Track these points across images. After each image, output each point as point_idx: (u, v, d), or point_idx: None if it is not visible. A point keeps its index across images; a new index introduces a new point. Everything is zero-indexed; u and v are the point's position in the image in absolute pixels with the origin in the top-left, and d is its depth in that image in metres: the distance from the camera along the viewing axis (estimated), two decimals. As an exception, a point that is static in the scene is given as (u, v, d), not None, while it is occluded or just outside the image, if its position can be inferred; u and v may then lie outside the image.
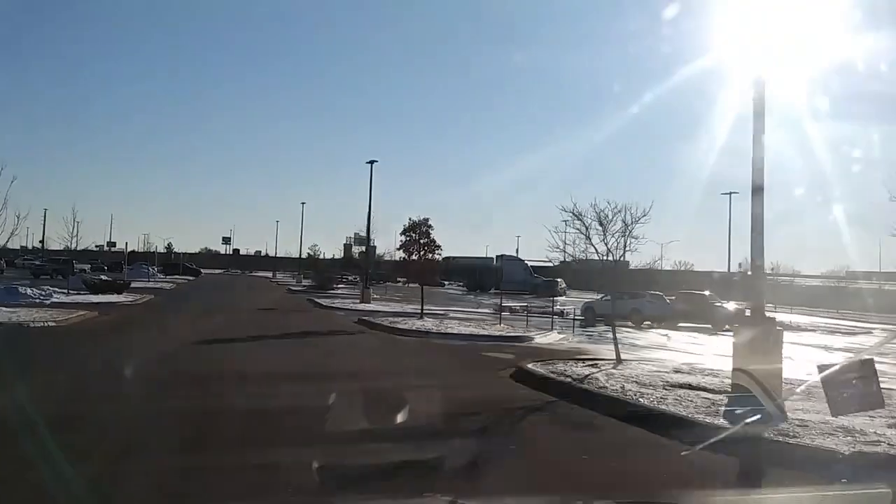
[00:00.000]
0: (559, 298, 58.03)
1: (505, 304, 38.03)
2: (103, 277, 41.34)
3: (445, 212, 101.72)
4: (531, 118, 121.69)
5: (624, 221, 12.75)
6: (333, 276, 51.48)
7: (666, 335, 27.25)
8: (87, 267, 56.22)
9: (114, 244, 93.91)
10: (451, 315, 29.79)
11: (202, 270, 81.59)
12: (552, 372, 11.78)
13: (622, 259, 12.97)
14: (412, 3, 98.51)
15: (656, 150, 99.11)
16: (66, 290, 33.37)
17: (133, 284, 43.96)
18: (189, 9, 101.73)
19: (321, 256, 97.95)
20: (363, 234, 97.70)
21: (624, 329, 29.64)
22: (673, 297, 35.89)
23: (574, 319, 30.15)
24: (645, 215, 12.82)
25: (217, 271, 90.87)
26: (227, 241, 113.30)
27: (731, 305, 38.13)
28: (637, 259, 20.16)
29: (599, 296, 38.82)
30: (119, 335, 17.79)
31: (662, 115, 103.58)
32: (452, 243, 79.00)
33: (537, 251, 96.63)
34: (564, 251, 13.02)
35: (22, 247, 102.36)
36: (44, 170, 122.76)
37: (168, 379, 10.37)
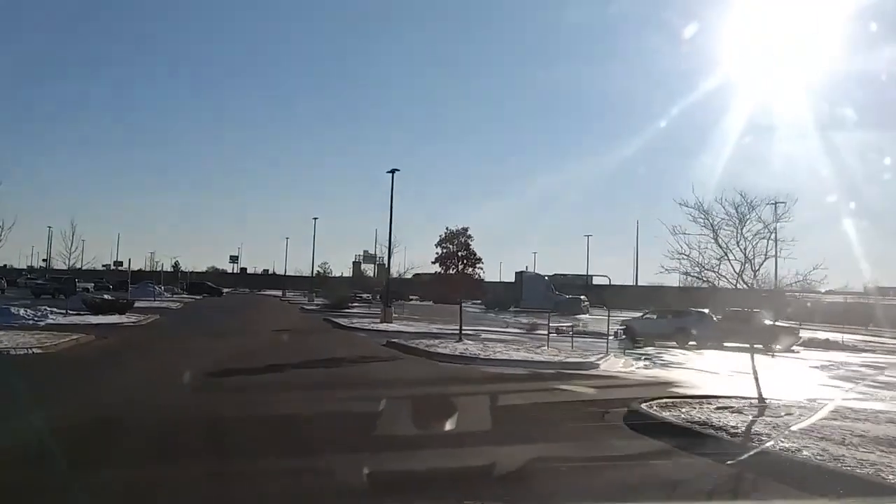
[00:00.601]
0: (582, 316, 54.86)
1: (537, 322, 34.81)
2: (106, 296, 38.19)
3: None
4: (547, 137, 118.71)
5: (762, 220, 9.59)
6: (347, 294, 48.22)
7: (728, 358, 23.92)
8: (90, 286, 53.17)
9: (120, 263, 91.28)
10: (485, 336, 26.56)
11: (223, 290, 77.54)
12: (688, 421, 8.54)
13: (758, 270, 9.66)
14: (432, 20, 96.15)
15: (669, 165, 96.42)
16: (64, 311, 30.26)
17: (138, 304, 40.83)
18: (196, 26, 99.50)
19: (331, 274, 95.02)
20: (372, 252, 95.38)
21: (674, 350, 26.41)
22: (719, 316, 32.38)
23: (630, 341, 26.93)
24: (787, 211, 9.67)
25: (225, 290, 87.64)
26: (234, 259, 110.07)
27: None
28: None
29: (639, 314, 35.53)
30: (112, 365, 14.60)
31: (678, 129, 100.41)
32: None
33: (556, 267, 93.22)
34: (689, 257, 9.61)
35: (28, 266, 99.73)
36: (49, 189, 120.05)
37: (163, 438, 7.15)
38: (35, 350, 16.46)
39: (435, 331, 29.13)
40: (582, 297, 58.34)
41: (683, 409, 9.26)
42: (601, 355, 20.12)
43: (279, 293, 76.72)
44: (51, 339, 18.84)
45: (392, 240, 32.23)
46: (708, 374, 17.51)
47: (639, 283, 75.48)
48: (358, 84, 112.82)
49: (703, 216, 9.60)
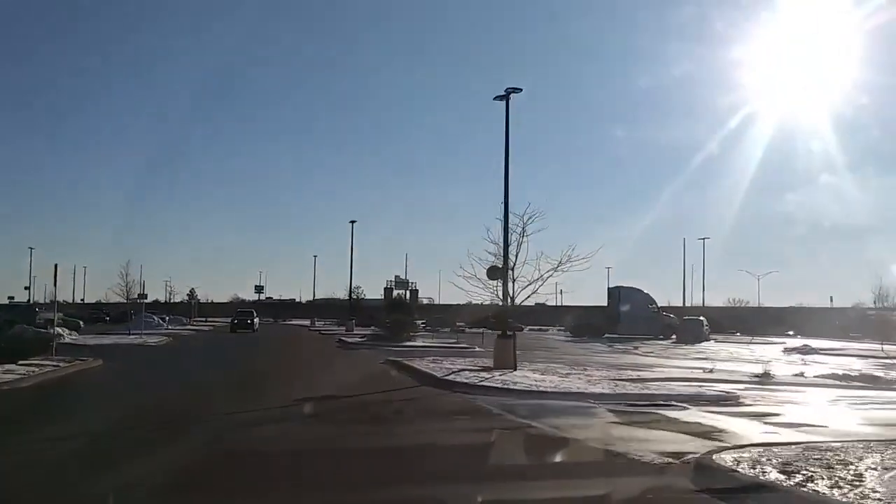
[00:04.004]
0: (709, 345, 38.16)
1: (769, 372, 18.27)
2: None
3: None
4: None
5: None
6: (408, 319, 31.73)
7: None
8: (59, 315, 37.50)
9: (145, 296, 76.72)
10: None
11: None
12: None
13: None
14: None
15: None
16: None
17: (104, 340, 25.33)
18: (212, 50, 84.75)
19: (364, 298, 79.29)
20: (403, 277, 79.30)
21: None
22: None
23: None
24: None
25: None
26: (259, 289, 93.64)
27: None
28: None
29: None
30: None
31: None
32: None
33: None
34: None
35: (63, 301, 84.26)
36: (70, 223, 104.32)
37: None
38: None
39: (633, 389, 12.94)
40: (701, 318, 41.46)
41: None
42: None
43: (307, 322, 60.57)
44: None
45: (509, 224, 15.89)
46: None
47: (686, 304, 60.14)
48: (392, 102, 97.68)
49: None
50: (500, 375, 14.46)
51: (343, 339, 32.30)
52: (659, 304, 45.96)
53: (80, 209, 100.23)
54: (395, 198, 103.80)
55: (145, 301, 71.59)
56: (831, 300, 68.88)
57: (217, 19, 77.44)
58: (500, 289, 15.93)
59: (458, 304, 74.52)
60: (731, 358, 25.58)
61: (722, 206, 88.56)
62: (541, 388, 12.70)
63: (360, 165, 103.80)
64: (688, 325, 39.95)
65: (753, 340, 40.63)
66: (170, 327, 45.93)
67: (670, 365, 21.68)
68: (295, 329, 51.96)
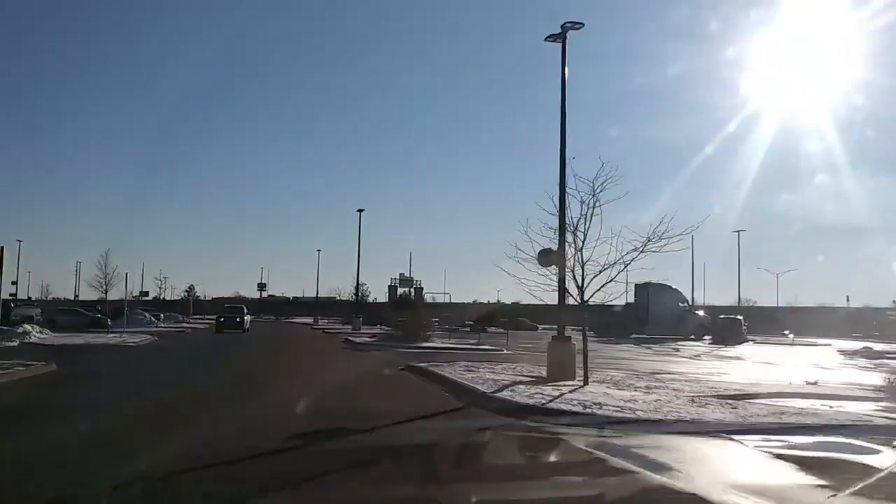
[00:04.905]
0: (742, 346, 34.08)
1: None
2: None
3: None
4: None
5: None
6: (421, 318, 27.77)
7: None
8: (36, 312, 33.71)
9: (146, 293, 73.42)
10: None
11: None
12: None
13: None
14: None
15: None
16: None
17: (64, 339, 21.65)
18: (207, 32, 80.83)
19: (369, 297, 75.63)
20: (407, 275, 75.37)
21: None
22: None
23: None
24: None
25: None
26: (262, 287, 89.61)
27: None
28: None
29: None
30: None
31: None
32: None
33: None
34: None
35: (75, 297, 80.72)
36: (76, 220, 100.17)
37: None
38: None
39: (762, 415, 9.08)
40: (738, 317, 37.50)
41: None
42: None
43: (310, 320, 56.73)
44: None
45: (565, 188, 12.05)
46: None
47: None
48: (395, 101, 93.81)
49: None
50: (569, 392, 10.58)
51: (350, 338, 28.37)
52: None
53: (81, 208, 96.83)
54: (397, 197, 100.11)
55: (146, 298, 68.19)
56: (847, 300, 65.13)
57: (217, 19, 73.74)
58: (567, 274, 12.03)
59: (465, 303, 70.96)
60: (802, 364, 21.72)
61: (724, 205, 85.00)
62: (637, 414, 8.83)
63: (360, 165, 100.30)
64: (725, 325, 36.00)
65: (795, 342, 36.75)
66: (162, 325, 42.05)
67: (740, 372, 17.86)
68: (296, 328, 48.06)
